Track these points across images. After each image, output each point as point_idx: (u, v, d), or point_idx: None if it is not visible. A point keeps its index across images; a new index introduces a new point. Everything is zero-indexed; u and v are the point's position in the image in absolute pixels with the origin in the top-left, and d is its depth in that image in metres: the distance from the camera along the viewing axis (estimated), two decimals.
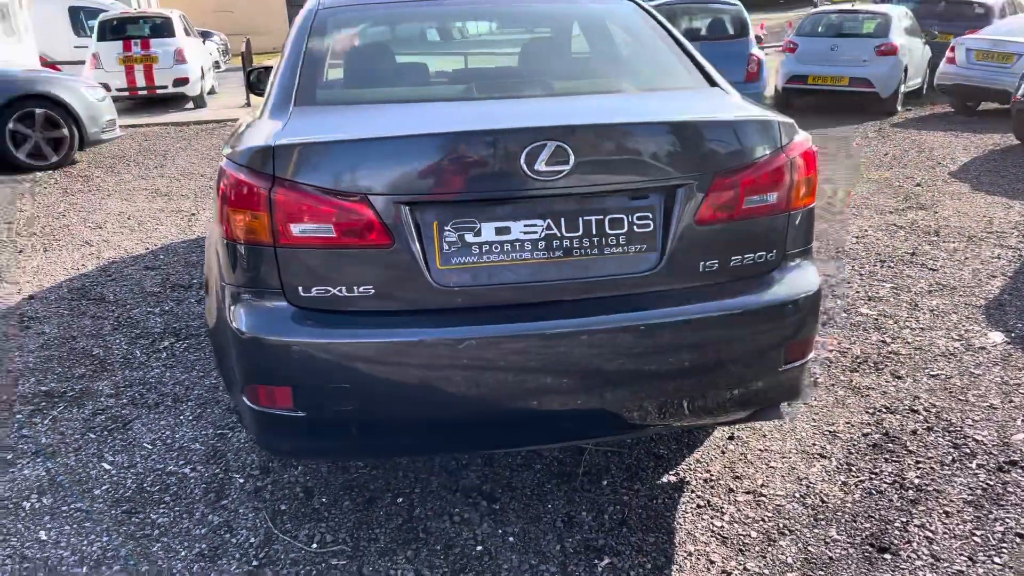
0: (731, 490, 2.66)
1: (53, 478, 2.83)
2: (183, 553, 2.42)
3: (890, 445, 2.89)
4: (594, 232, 2.13)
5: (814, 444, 2.92)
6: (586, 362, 2.12)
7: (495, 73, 2.76)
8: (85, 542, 2.49)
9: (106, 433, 3.13)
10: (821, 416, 3.11)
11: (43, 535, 2.53)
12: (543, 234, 2.11)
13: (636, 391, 2.20)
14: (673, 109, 2.39)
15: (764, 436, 2.98)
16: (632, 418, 2.25)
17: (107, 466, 2.90)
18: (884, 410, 3.15)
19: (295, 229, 2.04)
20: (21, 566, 2.39)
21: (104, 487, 2.77)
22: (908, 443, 2.90)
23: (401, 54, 2.85)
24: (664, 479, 2.72)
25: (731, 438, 2.96)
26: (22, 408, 3.34)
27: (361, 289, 2.08)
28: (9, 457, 2.98)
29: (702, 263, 2.19)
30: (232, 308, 2.17)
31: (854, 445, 2.90)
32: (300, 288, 2.09)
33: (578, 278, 2.13)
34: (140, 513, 2.62)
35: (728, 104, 2.42)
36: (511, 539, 2.43)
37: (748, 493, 2.64)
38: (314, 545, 2.43)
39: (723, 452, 2.87)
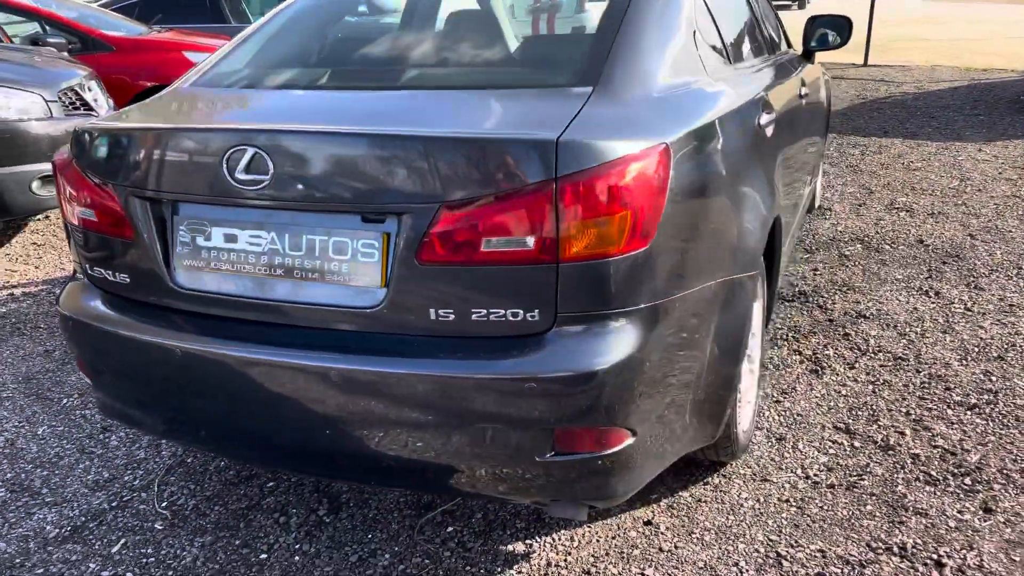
0: None
1: None
2: (89, 477, 2.75)
3: None
4: (316, 253, 1.86)
5: (736, 565, 2.19)
6: (284, 394, 1.89)
7: (382, 58, 2.41)
8: (55, 444, 2.96)
9: None
10: (816, 533, 2.31)
11: (42, 430, 3.06)
12: (267, 248, 1.91)
13: (347, 439, 1.90)
14: (442, 114, 1.90)
15: (700, 541, 2.31)
16: (346, 466, 1.97)
17: None
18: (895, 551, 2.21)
19: (76, 210, 2.14)
20: (2, 451, 2.94)
21: None
22: None
23: (337, 31, 2.67)
24: (511, 546, 2.30)
25: (648, 523, 2.37)
26: None
27: (120, 277, 2.11)
28: None
29: (433, 311, 1.78)
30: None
31: None
32: (87, 266, 2.19)
33: (297, 302, 1.89)
34: (113, 432, 3.02)
35: (539, 112, 1.84)
36: (296, 558, 2.30)
37: None
38: (164, 504, 2.58)
39: (613, 537, 2.31)
